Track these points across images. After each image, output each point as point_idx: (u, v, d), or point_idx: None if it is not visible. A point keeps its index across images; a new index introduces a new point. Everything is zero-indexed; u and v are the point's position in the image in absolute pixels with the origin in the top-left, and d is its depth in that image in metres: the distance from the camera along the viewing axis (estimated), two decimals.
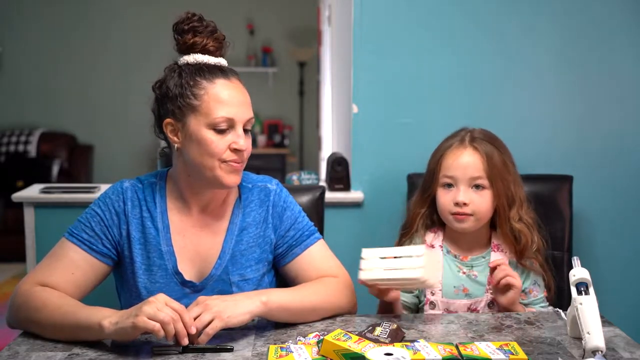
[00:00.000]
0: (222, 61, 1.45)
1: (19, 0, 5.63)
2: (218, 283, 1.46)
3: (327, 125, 4.37)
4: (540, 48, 2.31)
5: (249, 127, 1.43)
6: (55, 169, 5.23)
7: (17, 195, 2.29)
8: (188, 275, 1.45)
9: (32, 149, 5.32)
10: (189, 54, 1.44)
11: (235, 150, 1.39)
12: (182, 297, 1.43)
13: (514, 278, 1.54)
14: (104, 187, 2.39)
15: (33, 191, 2.33)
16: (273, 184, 1.55)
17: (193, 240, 1.47)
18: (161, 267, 1.44)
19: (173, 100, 1.41)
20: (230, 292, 1.45)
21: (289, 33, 5.87)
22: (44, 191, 2.31)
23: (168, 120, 1.43)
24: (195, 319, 1.26)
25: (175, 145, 1.43)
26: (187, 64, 1.43)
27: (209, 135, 1.38)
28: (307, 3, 5.66)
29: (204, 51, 1.43)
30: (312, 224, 1.57)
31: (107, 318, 1.23)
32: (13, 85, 5.71)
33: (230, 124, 1.39)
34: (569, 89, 2.33)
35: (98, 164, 5.72)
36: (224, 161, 1.39)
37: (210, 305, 1.27)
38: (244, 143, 1.39)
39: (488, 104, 2.32)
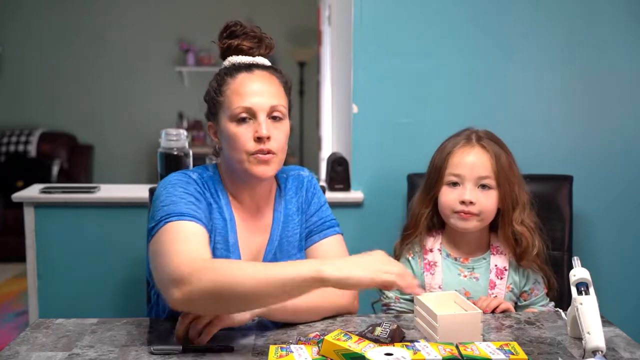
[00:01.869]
0: (258, 60, 1.47)
1: (19, 0, 5.63)
2: None
3: (327, 125, 4.37)
4: (541, 48, 2.31)
5: (278, 114, 1.41)
6: (55, 169, 5.23)
7: (17, 195, 2.29)
8: None
9: (32, 149, 5.32)
10: (226, 58, 1.48)
11: (259, 140, 1.38)
12: None
13: (506, 305, 1.55)
14: (104, 187, 2.39)
15: (33, 191, 2.33)
16: (305, 172, 1.60)
17: (250, 233, 1.48)
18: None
19: (209, 103, 1.47)
20: None
21: (289, 33, 5.87)
22: (44, 191, 2.31)
23: (209, 123, 1.49)
24: (195, 318, 1.26)
25: (217, 145, 1.48)
26: (224, 67, 1.47)
27: (233, 128, 1.40)
28: (307, 3, 5.66)
29: (238, 52, 1.47)
30: (335, 218, 1.59)
31: (324, 265, 1.20)
32: (13, 85, 5.71)
33: (250, 113, 1.40)
34: (569, 89, 2.33)
35: (98, 164, 5.72)
36: (251, 154, 1.39)
37: None
38: (266, 131, 1.38)
39: (488, 104, 2.32)
